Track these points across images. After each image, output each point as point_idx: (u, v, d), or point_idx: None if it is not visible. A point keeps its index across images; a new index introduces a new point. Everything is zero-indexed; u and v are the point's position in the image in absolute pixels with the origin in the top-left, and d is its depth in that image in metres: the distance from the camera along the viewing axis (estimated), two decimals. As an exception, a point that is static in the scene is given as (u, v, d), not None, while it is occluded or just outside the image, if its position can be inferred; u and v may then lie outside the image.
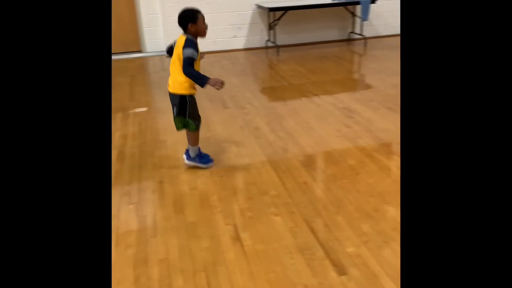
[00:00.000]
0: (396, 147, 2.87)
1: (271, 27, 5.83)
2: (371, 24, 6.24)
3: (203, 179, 2.54)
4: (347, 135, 3.08)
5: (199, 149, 2.64)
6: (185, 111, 2.47)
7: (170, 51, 2.52)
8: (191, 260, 1.85)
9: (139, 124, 3.41)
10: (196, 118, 2.54)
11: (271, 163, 2.70)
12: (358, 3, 5.74)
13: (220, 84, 2.35)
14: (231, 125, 3.34)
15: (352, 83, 4.59)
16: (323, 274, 1.73)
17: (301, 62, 5.23)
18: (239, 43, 5.96)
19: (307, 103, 3.80)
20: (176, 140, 3.04)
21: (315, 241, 1.93)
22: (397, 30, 6.43)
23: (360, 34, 6.11)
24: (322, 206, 2.21)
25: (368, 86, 4.36)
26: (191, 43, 2.35)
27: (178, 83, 2.43)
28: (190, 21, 2.38)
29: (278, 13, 5.61)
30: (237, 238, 1.98)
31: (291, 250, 1.88)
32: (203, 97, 4.02)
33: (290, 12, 5.65)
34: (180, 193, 2.39)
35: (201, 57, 2.51)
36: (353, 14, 6.08)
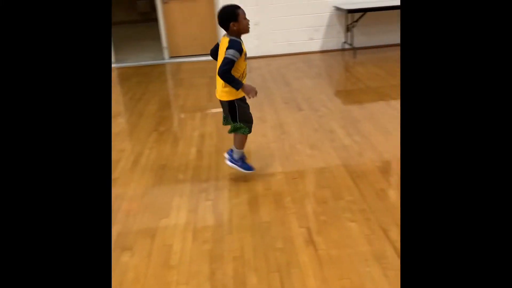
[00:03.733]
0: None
1: (348, 29, 5.72)
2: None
3: (277, 179, 2.55)
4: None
5: (243, 153, 2.57)
6: (235, 115, 2.39)
7: (214, 53, 2.43)
8: (265, 260, 1.87)
9: (216, 124, 3.52)
10: (248, 121, 2.44)
11: (346, 167, 2.65)
12: (443, 3, 5.44)
13: (254, 94, 2.29)
14: (305, 128, 3.33)
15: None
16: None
17: (379, 64, 5.07)
18: (315, 45, 5.92)
19: (384, 107, 3.68)
20: (251, 140, 3.10)
21: (393, 250, 1.86)
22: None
23: (444, 36, 5.78)
24: (398, 215, 2.12)
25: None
26: (234, 44, 2.24)
27: (221, 89, 2.35)
28: (232, 19, 2.24)
29: (357, 15, 5.49)
30: (310, 241, 1.97)
31: (367, 258, 1.83)
32: (278, 99, 4.05)
33: (368, 13, 5.51)
34: (255, 193, 2.43)
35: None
36: (437, 15, 5.77)
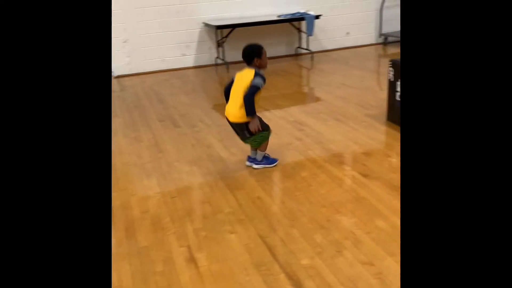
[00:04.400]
0: (346, 157, 2.95)
1: (219, 44, 5.87)
2: (316, 39, 6.44)
3: (155, 201, 2.48)
4: (298, 147, 3.13)
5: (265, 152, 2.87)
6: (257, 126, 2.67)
7: (228, 89, 2.72)
8: (145, 286, 1.79)
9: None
10: (266, 129, 2.75)
11: (225, 180, 2.69)
12: (303, 19, 5.92)
13: (257, 129, 2.63)
14: (182, 144, 3.31)
15: (301, 97, 4.70)
16: (280, 288, 1.73)
17: (251, 78, 5.29)
18: (189, 61, 5.95)
19: (258, 118, 3.84)
20: (125, 162, 2.97)
21: (271, 256, 1.93)
22: (341, 44, 6.69)
23: (306, 49, 6.29)
24: (276, 220, 2.22)
25: (316, 99, 4.47)
26: (260, 75, 2.61)
27: (241, 113, 2.61)
28: (256, 55, 2.63)
29: (226, 31, 5.66)
30: (191, 259, 1.94)
31: (246, 267, 1.87)
32: (153, 117, 3.96)
33: (237, 29, 5.73)
34: (131, 217, 2.32)
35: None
36: (299, 30, 6.26)
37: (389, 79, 3.38)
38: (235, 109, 2.64)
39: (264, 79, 2.62)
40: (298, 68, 5.87)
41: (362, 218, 2.18)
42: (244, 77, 2.62)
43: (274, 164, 2.85)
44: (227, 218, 2.26)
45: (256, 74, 2.60)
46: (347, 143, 3.16)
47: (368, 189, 2.47)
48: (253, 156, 2.86)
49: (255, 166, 2.83)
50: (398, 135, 3.19)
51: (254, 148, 2.84)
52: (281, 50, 6.37)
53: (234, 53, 6.04)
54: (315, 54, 6.27)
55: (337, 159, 2.91)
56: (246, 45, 2.70)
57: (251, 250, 1.98)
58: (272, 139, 3.31)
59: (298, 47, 6.43)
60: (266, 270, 1.84)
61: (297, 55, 6.43)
